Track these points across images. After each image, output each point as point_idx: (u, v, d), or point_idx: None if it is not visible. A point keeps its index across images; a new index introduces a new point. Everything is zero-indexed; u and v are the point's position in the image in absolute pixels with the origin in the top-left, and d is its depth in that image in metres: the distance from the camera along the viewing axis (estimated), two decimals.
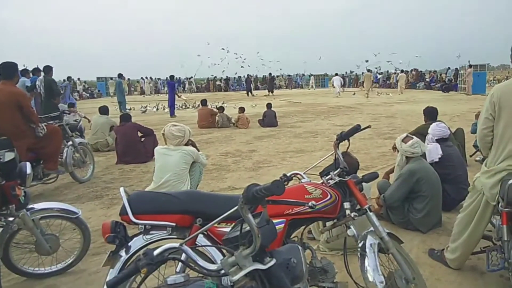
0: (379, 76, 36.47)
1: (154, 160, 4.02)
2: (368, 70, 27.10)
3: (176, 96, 15.40)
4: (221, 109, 11.78)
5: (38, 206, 2.85)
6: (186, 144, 4.04)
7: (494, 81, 28.21)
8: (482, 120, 2.39)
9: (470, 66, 21.81)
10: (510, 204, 2.14)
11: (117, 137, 7.06)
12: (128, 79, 37.21)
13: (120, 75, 17.70)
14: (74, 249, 3.08)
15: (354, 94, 24.70)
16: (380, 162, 6.22)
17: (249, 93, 27.57)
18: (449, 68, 29.98)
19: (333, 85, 25.57)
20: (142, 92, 35.09)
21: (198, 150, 4.20)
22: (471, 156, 6.02)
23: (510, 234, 2.21)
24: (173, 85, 15.68)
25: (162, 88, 36.74)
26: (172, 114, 14.64)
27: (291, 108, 16.67)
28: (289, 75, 41.39)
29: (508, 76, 23.22)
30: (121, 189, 1.98)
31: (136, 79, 38.92)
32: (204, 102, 11.87)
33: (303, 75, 42.13)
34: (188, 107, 18.10)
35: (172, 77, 17.36)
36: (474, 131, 5.55)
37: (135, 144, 6.88)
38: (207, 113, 11.29)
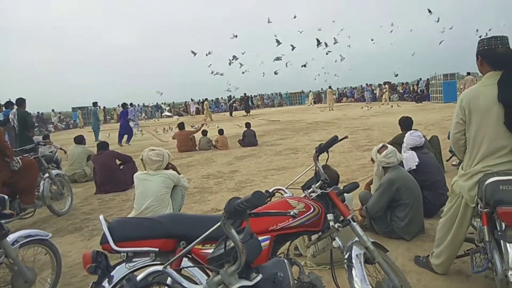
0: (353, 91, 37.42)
1: (134, 188, 3.95)
2: (329, 87, 29.07)
3: (131, 125, 14.94)
4: (204, 132, 11.70)
5: (12, 236, 2.75)
6: (166, 168, 3.99)
7: (464, 89, 29.24)
8: (453, 125, 2.47)
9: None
10: (489, 205, 2.18)
11: (95, 166, 6.91)
12: (104, 107, 36.88)
13: (94, 104, 17.45)
14: (47, 277, 2.95)
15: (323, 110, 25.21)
16: (360, 174, 6.29)
17: (232, 114, 27.68)
18: (420, 79, 31.02)
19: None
20: (119, 120, 34.67)
21: (179, 174, 4.16)
22: (447, 160, 6.17)
23: (491, 235, 2.24)
24: (125, 113, 14.93)
25: (140, 115, 36.52)
26: (119, 142, 14.01)
27: (270, 127, 16.80)
28: (259, 94, 41.80)
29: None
30: (101, 216, 1.93)
31: (113, 107, 38.54)
32: (181, 126, 11.71)
33: (280, 94, 42.70)
34: (167, 131, 17.96)
35: (124, 104, 16.24)
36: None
37: (114, 172, 6.74)
38: (185, 136, 11.21)
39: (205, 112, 26.70)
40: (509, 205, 2.08)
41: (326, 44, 19.58)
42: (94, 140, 14.76)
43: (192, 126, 14.26)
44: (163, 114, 37.53)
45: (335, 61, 24.09)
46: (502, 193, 2.10)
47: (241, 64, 19.96)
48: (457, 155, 2.69)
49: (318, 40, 18.18)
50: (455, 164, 5.90)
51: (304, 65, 23.04)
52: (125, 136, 14.36)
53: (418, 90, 29.08)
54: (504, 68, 2.24)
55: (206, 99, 31.64)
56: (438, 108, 18.45)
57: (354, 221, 2.15)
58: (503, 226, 2.12)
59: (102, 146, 7.28)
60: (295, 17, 20.48)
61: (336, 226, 2.11)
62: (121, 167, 6.96)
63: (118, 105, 37.22)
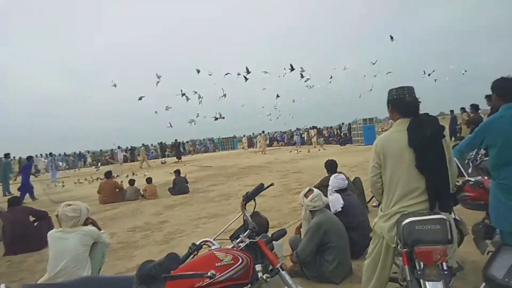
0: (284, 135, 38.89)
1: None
2: (263, 131, 30.35)
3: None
4: (132, 182, 11.07)
5: None
6: (85, 224, 3.66)
7: (382, 132, 31.86)
8: (370, 169, 2.60)
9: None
10: (407, 245, 2.27)
11: (4, 224, 6.16)
12: (20, 157, 33.83)
13: (6, 155, 15.83)
14: None
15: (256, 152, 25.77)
16: (291, 218, 6.35)
17: (164, 161, 26.86)
18: (343, 123, 33.29)
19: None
20: (37, 171, 31.90)
21: (100, 229, 3.83)
22: (368, 202, 6.49)
23: (412, 273, 2.33)
24: (28, 167, 13.61)
25: (61, 165, 34.05)
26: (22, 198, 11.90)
27: (202, 173, 16.58)
28: (191, 140, 41.63)
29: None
30: (2, 286, 1.67)
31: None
32: (108, 175, 11.00)
33: (213, 139, 42.88)
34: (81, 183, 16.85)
35: (29, 157, 14.54)
36: None
37: (26, 230, 6.04)
38: (111, 187, 10.56)
39: (141, 158, 25.64)
40: (425, 245, 2.19)
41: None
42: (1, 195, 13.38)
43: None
44: (86, 163, 35.46)
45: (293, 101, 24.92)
46: (418, 233, 2.22)
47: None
48: (376, 197, 2.83)
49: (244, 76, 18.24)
50: (375, 205, 6.20)
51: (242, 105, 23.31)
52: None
53: (342, 134, 31.09)
54: (412, 115, 2.45)
55: (143, 144, 30.53)
56: (360, 151, 19.74)
57: (283, 270, 2.11)
58: (421, 265, 2.21)
59: (14, 201, 6.56)
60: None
61: (264, 277, 2.05)
62: (35, 224, 6.28)
63: (36, 155, 34.63)
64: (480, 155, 5.31)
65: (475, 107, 11.40)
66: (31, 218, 6.34)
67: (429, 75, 17.99)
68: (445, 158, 2.40)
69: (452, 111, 18.82)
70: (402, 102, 2.51)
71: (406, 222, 2.27)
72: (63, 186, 15.78)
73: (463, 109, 15.09)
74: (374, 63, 20.18)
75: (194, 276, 1.80)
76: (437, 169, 2.36)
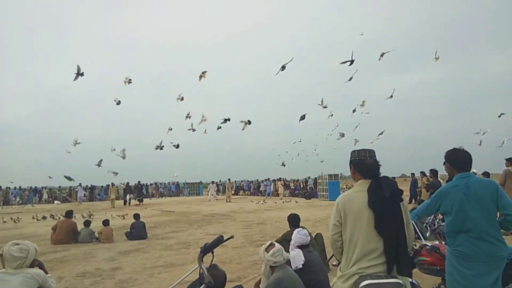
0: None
1: None
2: (229, 179, 30.28)
3: None
4: (87, 223, 10.46)
5: None
6: (32, 266, 3.41)
7: (347, 188, 32.54)
8: (331, 227, 2.63)
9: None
10: None
11: None
12: None
13: None
14: None
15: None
16: (251, 272, 6.18)
17: (128, 203, 25.67)
18: (309, 177, 33.77)
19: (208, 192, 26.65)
20: None
21: (47, 273, 3.56)
22: (328, 260, 6.45)
23: None
24: None
25: (14, 199, 32.11)
26: None
27: (163, 218, 16.04)
28: (155, 183, 40.65)
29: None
30: None
31: None
32: (69, 214, 10.40)
33: (178, 183, 42.05)
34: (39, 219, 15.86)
35: None
36: None
37: None
38: (68, 227, 9.95)
39: (111, 197, 24.52)
40: None
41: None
42: None
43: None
44: (42, 199, 33.58)
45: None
46: None
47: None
48: (335, 256, 2.83)
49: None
50: (335, 264, 6.19)
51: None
52: None
53: (308, 188, 31.41)
54: (372, 177, 2.55)
55: (113, 183, 29.24)
56: (325, 206, 19.90)
57: None
58: None
59: None
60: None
61: None
62: None
63: None
64: (437, 220, 5.49)
65: (434, 172, 11.91)
66: None
67: (378, 137, 18.68)
68: (403, 220, 2.47)
69: (413, 174, 19.61)
70: (364, 164, 2.61)
71: (363, 285, 2.27)
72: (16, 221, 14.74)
73: (423, 173, 15.76)
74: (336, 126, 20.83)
75: None
76: (395, 231, 2.41)
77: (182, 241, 9.59)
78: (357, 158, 2.64)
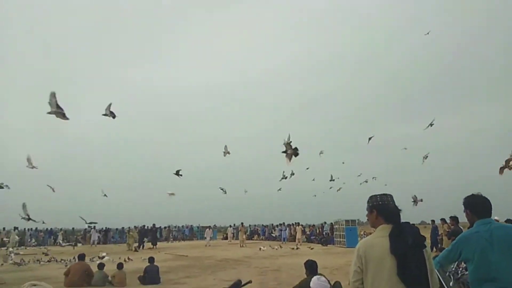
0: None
1: None
2: (242, 224, 29.80)
3: None
4: (101, 266, 10.37)
5: None
6: None
7: (364, 235, 31.55)
8: (352, 273, 2.55)
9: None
10: None
11: None
12: None
13: None
14: None
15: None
16: None
17: (142, 246, 25.53)
18: (325, 222, 32.94)
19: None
20: (3, 245, 29.95)
21: None
22: None
23: None
24: None
25: (29, 240, 32.18)
26: None
27: (177, 262, 15.75)
28: (168, 226, 40.27)
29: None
30: None
31: None
32: (81, 257, 10.39)
33: (192, 226, 41.62)
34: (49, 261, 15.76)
35: None
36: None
37: None
38: (81, 269, 9.85)
39: (130, 241, 24.91)
40: None
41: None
42: None
43: None
44: (56, 242, 33.52)
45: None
46: None
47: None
48: None
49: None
50: None
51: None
52: None
53: (324, 233, 30.57)
54: (394, 222, 2.49)
55: (132, 227, 29.12)
56: (342, 253, 19.25)
57: None
58: None
59: None
60: None
61: None
62: None
63: (3, 228, 32.86)
64: (461, 269, 5.26)
65: (455, 219, 11.57)
66: None
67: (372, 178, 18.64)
68: (426, 268, 2.39)
69: (433, 221, 19.01)
70: (387, 208, 2.57)
71: None
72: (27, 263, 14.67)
73: (443, 220, 15.27)
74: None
75: None
76: (418, 279, 2.32)
77: (194, 287, 9.32)
78: (380, 202, 2.60)
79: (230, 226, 35.38)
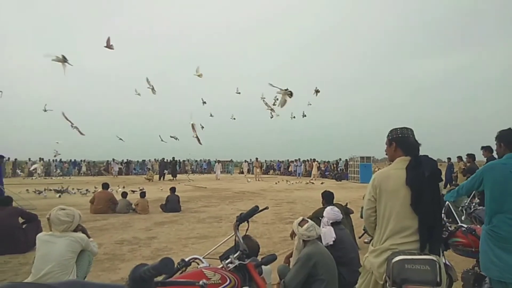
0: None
1: (35, 250, 3.51)
2: (256, 158, 31.09)
3: None
4: (124, 194, 11.07)
5: None
6: (75, 230, 3.63)
7: None
8: (366, 202, 2.64)
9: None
10: (396, 283, 2.26)
11: None
12: (15, 159, 33.72)
13: None
14: None
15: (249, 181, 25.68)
16: (281, 247, 6.30)
17: (162, 178, 26.79)
18: (340, 159, 33.38)
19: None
20: (30, 174, 31.72)
21: (89, 237, 3.80)
22: (359, 238, 6.47)
23: None
24: None
25: (55, 170, 33.84)
26: None
27: (196, 193, 16.49)
28: (187, 160, 41.47)
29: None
30: None
31: (25, 160, 35.37)
32: (105, 186, 11.00)
33: (209, 161, 42.79)
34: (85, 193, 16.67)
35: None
36: (362, 216, 6.06)
37: (13, 232, 5.97)
38: (106, 197, 10.50)
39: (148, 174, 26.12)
40: (414, 284, 2.19)
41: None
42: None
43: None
44: (80, 172, 35.27)
45: None
46: (407, 272, 2.22)
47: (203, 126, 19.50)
48: (368, 232, 2.84)
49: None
50: (367, 241, 6.22)
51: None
52: None
53: (338, 169, 31.12)
54: (413, 155, 2.51)
55: (152, 160, 30.16)
56: (355, 188, 19.73)
57: None
58: None
59: (5, 201, 6.50)
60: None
61: None
62: (24, 226, 6.21)
63: (29, 159, 34.51)
64: (474, 204, 5.35)
65: (471, 156, 11.52)
66: (20, 220, 6.27)
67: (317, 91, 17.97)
68: (440, 200, 2.44)
69: (449, 159, 18.95)
70: (407, 140, 2.57)
71: (396, 260, 2.28)
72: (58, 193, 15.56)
73: (459, 158, 15.22)
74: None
75: (185, 284, 1.80)
76: (431, 210, 2.39)
77: (214, 216, 9.86)
78: (400, 135, 2.60)
79: (245, 161, 36.24)
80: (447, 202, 4.57)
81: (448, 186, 15.54)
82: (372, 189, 2.56)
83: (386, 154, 2.76)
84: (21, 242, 5.92)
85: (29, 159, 34.91)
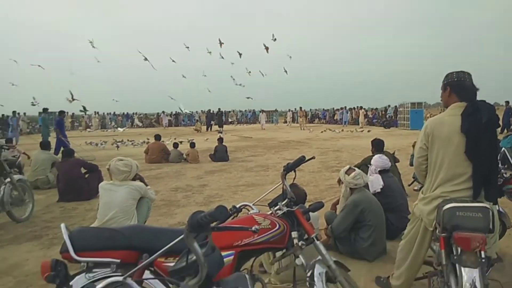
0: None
1: (98, 198, 3.85)
2: (300, 108, 31.31)
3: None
4: (176, 145, 11.67)
5: None
6: (134, 179, 3.91)
7: (430, 117, 30.50)
8: (417, 150, 2.58)
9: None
10: (446, 230, 2.26)
11: (59, 173, 6.68)
12: (73, 113, 35.91)
13: (44, 110, 15.45)
14: None
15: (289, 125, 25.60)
16: (328, 194, 6.39)
17: (209, 128, 27.63)
18: (389, 105, 32.17)
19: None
20: (87, 127, 33.87)
21: (146, 185, 4.08)
22: (409, 185, 6.39)
23: (448, 258, 2.32)
24: (58, 123, 12.69)
25: (110, 123, 35.78)
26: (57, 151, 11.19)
27: (242, 143, 16.84)
28: (233, 110, 41.90)
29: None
30: (62, 225, 1.86)
31: (81, 114, 37.60)
32: (157, 137, 11.62)
33: (254, 111, 43.02)
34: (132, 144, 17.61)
35: (61, 112, 13.52)
36: (412, 163, 5.93)
37: (78, 181, 6.53)
38: (159, 148, 11.09)
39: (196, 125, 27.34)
40: (464, 231, 2.17)
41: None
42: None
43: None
44: (134, 124, 37.02)
45: None
46: (458, 219, 2.20)
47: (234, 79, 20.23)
48: (418, 179, 2.80)
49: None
50: (417, 189, 6.14)
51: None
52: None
53: (387, 116, 30.13)
54: (469, 100, 2.38)
55: (199, 111, 31.05)
56: (405, 135, 19.12)
57: (317, 240, 2.19)
58: (459, 251, 2.20)
59: (68, 153, 7.06)
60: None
61: (300, 244, 2.14)
62: (86, 176, 6.75)
63: (95, 112, 36.61)
64: None
65: None
66: (82, 170, 6.82)
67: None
68: (496, 147, 2.33)
69: (507, 102, 17.66)
70: (463, 85, 2.43)
71: (447, 207, 2.25)
72: (116, 144, 16.57)
73: None
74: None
75: (238, 229, 1.91)
76: (488, 157, 2.30)
77: (260, 164, 10.11)
78: (455, 79, 2.45)
79: (289, 110, 35.99)
80: (503, 148, 4.33)
81: (505, 131, 14.62)
82: (424, 137, 2.48)
83: (441, 100, 2.63)
84: (84, 191, 6.47)
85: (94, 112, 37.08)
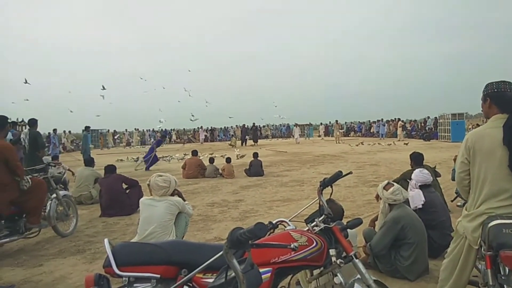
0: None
1: (138, 212, 3.97)
2: (336, 121, 30.86)
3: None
4: (212, 160, 11.89)
5: None
6: (172, 195, 4.01)
7: (472, 129, 29.25)
8: (458, 164, 2.49)
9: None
10: (492, 248, 2.16)
11: (102, 189, 6.96)
12: (114, 130, 37.44)
13: (86, 128, 16.61)
14: None
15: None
16: (366, 210, 6.24)
17: (244, 143, 27.88)
18: (428, 117, 31.14)
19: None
20: (128, 144, 35.16)
21: (184, 200, 4.17)
22: (452, 201, 6.13)
23: (495, 278, 2.21)
24: (158, 142, 14.47)
25: (149, 140, 36.94)
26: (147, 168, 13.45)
27: (277, 158, 16.82)
28: (267, 125, 42.02)
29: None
30: (105, 240, 1.95)
31: (122, 131, 39.15)
32: (195, 153, 11.98)
33: (288, 125, 42.97)
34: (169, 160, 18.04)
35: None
36: (454, 178, 5.70)
37: (119, 196, 6.77)
38: (195, 163, 11.33)
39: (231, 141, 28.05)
40: None
41: None
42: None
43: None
44: (171, 140, 38.04)
45: None
46: (504, 237, 2.09)
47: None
48: (461, 195, 2.69)
49: None
50: (460, 205, 5.88)
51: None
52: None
53: (426, 128, 29.15)
54: (511, 112, 2.28)
55: (234, 126, 31.77)
56: (446, 147, 18.39)
57: (356, 258, 2.14)
58: (507, 271, 2.09)
59: (110, 169, 7.34)
60: None
61: (338, 262, 2.10)
62: (127, 191, 6.99)
63: (126, 130, 38.08)
64: None
65: None
66: (124, 186, 7.06)
67: None
68: None
69: None
70: (504, 96, 2.34)
71: (492, 224, 2.15)
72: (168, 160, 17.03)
73: None
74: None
75: (278, 246, 1.91)
76: None
77: (296, 179, 10.04)
78: (495, 90, 2.37)
79: (321, 123, 35.61)
80: None
81: None
82: (465, 151, 2.39)
83: (482, 111, 2.54)
84: (126, 206, 6.69)
85: (126, 129, 38.56)
